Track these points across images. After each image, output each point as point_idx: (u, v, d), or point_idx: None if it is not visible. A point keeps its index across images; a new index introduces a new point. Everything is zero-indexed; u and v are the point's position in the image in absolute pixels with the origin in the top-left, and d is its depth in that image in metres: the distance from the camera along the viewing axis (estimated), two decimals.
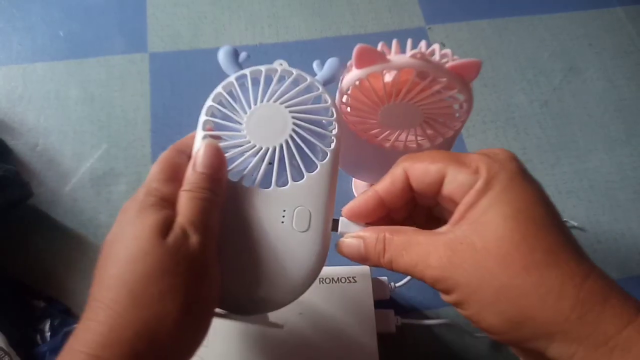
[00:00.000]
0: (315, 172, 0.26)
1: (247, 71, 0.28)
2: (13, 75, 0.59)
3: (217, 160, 0.24)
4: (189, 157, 0.26)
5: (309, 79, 0.28)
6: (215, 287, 0.23)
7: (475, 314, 0.20)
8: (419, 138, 0.37)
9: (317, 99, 0.28)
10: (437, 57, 0.30)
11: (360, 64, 0.31)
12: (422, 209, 0.27)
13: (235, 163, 0.26)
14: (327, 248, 0.26)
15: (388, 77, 0.31)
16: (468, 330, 0.45)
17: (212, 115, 0.27)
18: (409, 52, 0.30)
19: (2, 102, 0.57)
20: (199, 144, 0.26)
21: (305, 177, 0.26)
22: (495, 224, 0.20)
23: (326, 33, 0.64)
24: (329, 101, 0.28)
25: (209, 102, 0.27)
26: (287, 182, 0.25)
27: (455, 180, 0.22)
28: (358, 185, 0.53)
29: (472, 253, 0.20)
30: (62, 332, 0.43)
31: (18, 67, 0.59)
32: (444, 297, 0.22)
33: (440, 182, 0.22)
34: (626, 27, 0.67)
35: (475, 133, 0.58)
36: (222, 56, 0.29)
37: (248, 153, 0.26)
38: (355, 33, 0.64)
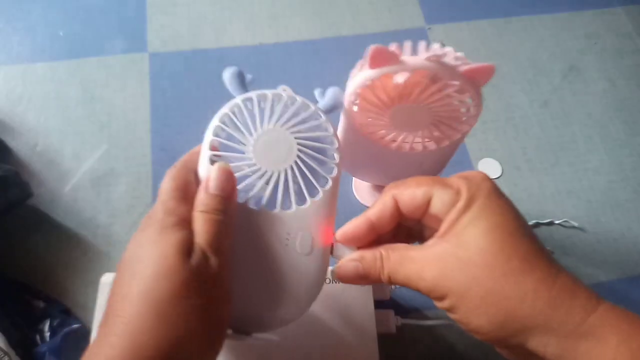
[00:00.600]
0: (317, 197, 0.27)
1: (253, 94, 0.29)
2: (13, 75, 0.59)
3: (230, 183, 0.25)
4: (195, 174, 0.26)
5: (312, 107, 0.29)
6: (230, 308, 0.24)
7: (464, 317, 0.23)
8: (425, 140, 0.37)
9: (320, 127, 0.29)
10: (450, 60, 0.30)
11: (374, 64, 0.31)
12: (403, 229, 0.29)
13: (242, 185, 0.26)
14: (327, 269, 0.27)
15: (400, 78, 0.31)
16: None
17: (218, 135, 0.27)
18: (423, 53, 0.30)
19: (2, 102, 0.57)
20: (206, 164, 0.26)
21: (308, 202, 0.27)
22: (476, 237, 0.23)
23: (326, 33, 0.64)
24: (331, 130, 0.29)
25: (216, 122, 0.27)
26: (291, 205, 0.26)
27: (441, 201, 0.24)
28: (358, 186, 0.53)
29: (458, 264, 0.23)
30: (61, 333, 0.43)
31: (18, 67, 0.59)
32: (437, 304, 0.24)
33: (426, 204, 0.25)
34: (626, 27, 0.67)
35: (475, 133, 0.58)
36: (229, 77, 0.29)
37: (254, 176, 0.26)
38: (356, 33, 0.64)
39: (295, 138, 0.27)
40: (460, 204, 0.23)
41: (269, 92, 0.29)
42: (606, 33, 0.66)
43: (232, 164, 0.26)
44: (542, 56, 0.64)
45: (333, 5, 0.66)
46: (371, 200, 0.52)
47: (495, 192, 0.24)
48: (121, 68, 0.60)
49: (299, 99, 0.29)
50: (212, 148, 0.27)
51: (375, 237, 0.27)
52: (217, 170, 0.25)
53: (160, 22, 0.63)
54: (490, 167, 0.56)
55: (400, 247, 0.26)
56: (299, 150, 0.27)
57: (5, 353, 0.38)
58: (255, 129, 0.27)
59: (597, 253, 0.52)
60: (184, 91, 0.58)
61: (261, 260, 0.25)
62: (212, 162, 0.26)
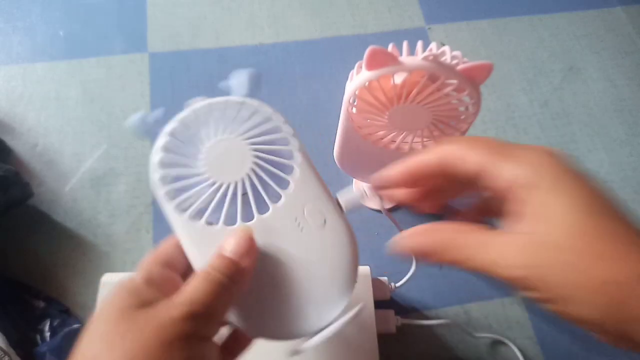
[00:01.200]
0: (297, 174, 0.26)
1: (175, 123, 0.27)
2: (13, 75, 0.59)
3: (248, 250, 0.23)
4: (175, 263, 0.25)
5: (236, 100, 0.27)
6: None
7: (564, 308, 0.20)
8: (425, 139, 0.37)
9: (256, 110, 0.27)
10: (447, 59, 0.30)
11: (371, 66, 0.31)
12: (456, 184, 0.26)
13: (230, 211, 0.25)
14: (351, 227, 0.26)
15: (398, 79, 0.31)
16: (468, 330, 0.45)
17: (165, 167, 0.25)
18: (421, 53, 0.30)
19: (2, 102, 0.57)
20: (169, 207, 0.24)
21: (290, 183, 0.26)
22: (561, 218, 0.20)
23: (326, 33, 0.64)
24: (266, 108, 0.27)
25: (157, 173, 0.25)
26: (279, 195, 0.26)
27: (499, 174, 0.21)
28: (359, 187, 0.53)
29: (548, 252, 0.20)
30: (61, 332, 0.43)
31: (18, 67, 0.59)
32: (526, 294, 0.21)
33: (478, 172, 0.22)
34: (626, 27, 0.67)
35: (475, 133, 0.58)
36: (136, 125, 0.28)
37: (228, 196, 0.25)
38: (355, 33, 0.64)
39: (243, 139, 0.26)
40: (530, 180, 0.21)
41: (184, 118, 0.27)
42: (606, 33, 0.66)
43: (202, 194, 0.25)
44: (542, 56, 0.64)
45: (333, 5, 0.66)
46: (372, 202, 0.52)
47: (570, 165, 0.21)
48: (121, 68, 0.60)
49: (220, 101, 0.27)
50: (166, 188, 0.25)
51: (412, 185, 0.25)
52: (238, 234, 0.24)
53: (160, 22, 0.63)
54: None
55: (478, 229, 0.23)
56: (251, 145, 0.26)
57: (5, 353, 0.38)
58: (199, 153, 0.26)
59: None
60: (184, 91, 0.58)
61: (291, 261, 0.25)
62: (170, 196, 0.24)
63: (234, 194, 0.25)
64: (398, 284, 0.43)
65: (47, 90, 0.58)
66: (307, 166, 0.26)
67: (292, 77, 0.60)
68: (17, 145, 0.54)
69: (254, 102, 0.27)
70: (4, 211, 0.47)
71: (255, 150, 0.26)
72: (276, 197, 0.26)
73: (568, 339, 0.47)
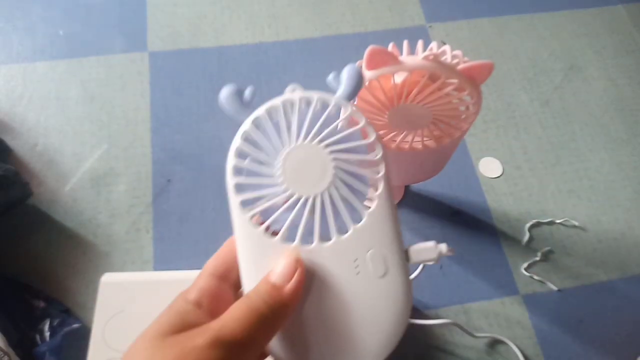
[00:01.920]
0: (373, 207, 0.23)
1: (261, 112, 0.23)
2: (13, 74, 0.59)
3: (295, 281, 0.21)
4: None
5: (332, 101, 0.24)
6: None
7: None
8: (425, 139, 0.37)
9: (349, 125, 0.24)
10: (448, 58, 0.30)
11: (371, 65, 0.30)
12: None
13: (287, 222, 0.23)
14: (411, 284, 0.24)
15: (398, 78, 0.31)
16: (468, 330, 0.45)
17: (239, 173, 0.23)
18: (421, 53, 0.30)
19: (2, 102, 0.57)
20: (240, 222, 0.23)
21: (365, 216, 0.23)
22: None
23: (326, 32, 0.64)
24: (363, 121, 0.24)
25: (233, 161, 0.23)
26: (347, 228, 0.23)
27: None
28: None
29: None
30: (61, 332, 0.43)
31: (18, 67, 0.59)
32: None
33: None
34: (627, 25, 0.66)
35: (475, 132, 0.58)
36: (226, 101, 0.24)
37: (297, 208, 0.23)
38: (356, 32, 0.64)
39: (325, 147, 0.23)
40: None
41: (278, 103, 0.23)
42: (607, 31, 0.66)
43: (266, 203, 0.23)
44: (542, 55, 0.63)
45: (333, 4, 0.66)
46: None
47: None
48: (121, 67, 0.60)
49: (315, 97, 0.24)
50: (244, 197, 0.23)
51: None
52: (287, 260, 0.22)
53: (160, 22, 0.63)
54: (490, 167, 0.56)
55: None
56: (335, 160, 0.23)
57: (5, 353, 0.38)
58: (277, 153, 0.23)
59: (598, 252, 0.52)
60: (184, 90, 0.58)
61: (334, 300, 0.23)
62: (239, 190, 0.23)
63: (302, 208, 0.23)
64: None
65: (47, 90, 0.58)
66: (386, 202, 0.23)
67: (292, 76, 0.60)
68: (17, 145, 0.54)
69: (350, 109, 0.24)
70: (4, 211, 0.47)
71: (337, 167, 0.23)
72: (344, 228, 0.23)
73: (568, 339, 0.47)
